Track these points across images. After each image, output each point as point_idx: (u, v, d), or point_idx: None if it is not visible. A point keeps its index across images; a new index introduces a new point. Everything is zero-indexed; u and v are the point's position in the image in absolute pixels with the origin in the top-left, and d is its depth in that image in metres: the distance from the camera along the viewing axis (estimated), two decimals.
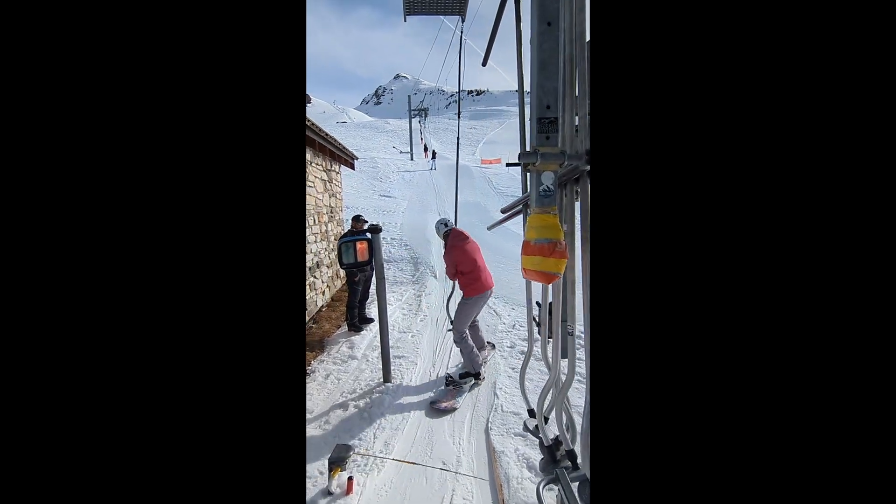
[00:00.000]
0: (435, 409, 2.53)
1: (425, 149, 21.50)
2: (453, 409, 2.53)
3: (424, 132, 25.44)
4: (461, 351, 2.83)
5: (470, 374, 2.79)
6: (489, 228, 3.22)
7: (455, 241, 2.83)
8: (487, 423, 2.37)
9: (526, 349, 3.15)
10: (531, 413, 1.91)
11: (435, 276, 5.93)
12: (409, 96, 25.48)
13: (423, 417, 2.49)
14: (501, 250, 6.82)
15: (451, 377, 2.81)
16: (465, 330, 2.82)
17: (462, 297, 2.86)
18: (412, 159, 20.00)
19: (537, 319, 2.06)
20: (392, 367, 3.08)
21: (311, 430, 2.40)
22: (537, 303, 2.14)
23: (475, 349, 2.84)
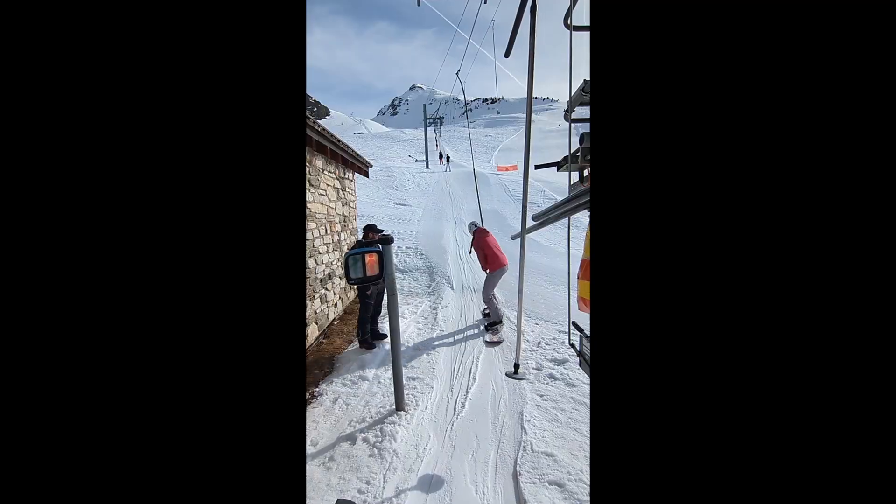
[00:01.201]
0: (489, 343, 3.64)
1: (440, 156, 21.47)
2: (501, 341, 3.65)
3: (440, 141, 25.43)
4: (489, 306, 3.98)
5: (496, 323, 3.92)
6: (513, 238, 2.88)
7: (480, 235, 4.11)
8: (516, 466, 2.02)
9: (556, 371, 2.83)
10: (517, 367, 1.68)
11: (452, 287, 5.61)
12: (424, 105, 25.53)
13: (440, 455, 2.16)
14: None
15: (486, 325, 3.97)
16: (491, 294, 3.96)
17: (487, 273, 4.05)
18: (427, 167, 19.92)
19: (577, 348, 1.71)
20: (405, 392, 2.77)
21: (315, 468, 2.11)
22: (574, 324, 1.81)
23: (498, 305, 3.97)
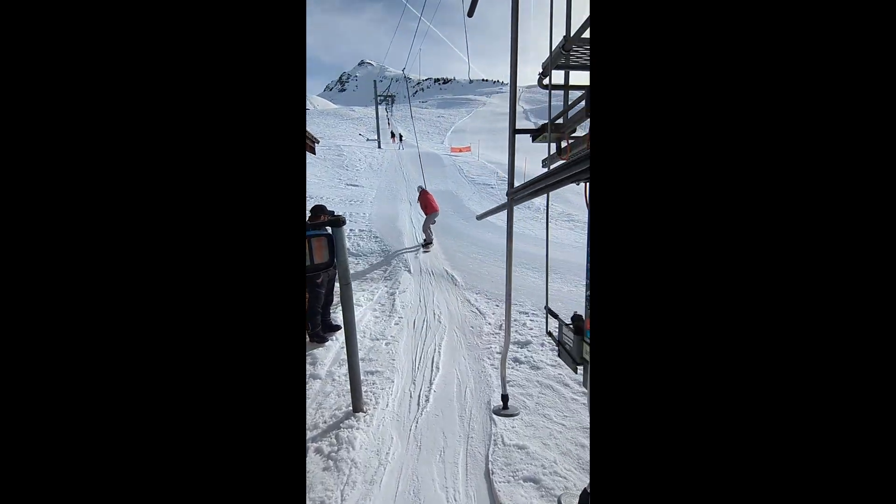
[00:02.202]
0: (424, 248, 6.06)
1: (392, 135, 20.64)
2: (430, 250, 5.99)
3: (392, 120, 24.25)
4: (425, 234, 6.21)
5: (429, 243, 6.14)
6: (479, 218, 2.64)
7: (423, 194, 6.47)
8: (488, 464, 1.86)
9: (520, 353, 2.60)
10: (504, 399, 1.49)
11: (409, 271, 5.32)
12: (374, 81, 23.96)
13: (405, 460, 1.94)
14: (481, 242, 6.33)
15: (423, 244, 6.19)
16: (427, 227, 6.19)
17: (426, 216, 6.26)
18: (380, 147, 18.97)
19: (557, 337, 1.54)
20: (363, 389, 2.48)
21: None
22: (549, 310, 1.63)
23: (431, 232, 6.21)
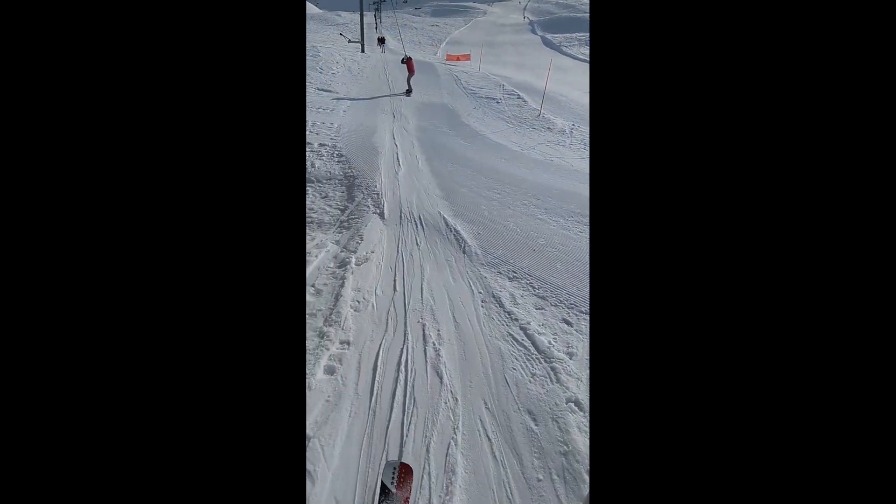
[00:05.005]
0: (407, 94, 7.05)
1: (380, 41, 16.09)
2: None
3: (381, 27, 18.93)
4: (408, 83, 7.46)
5: (410, 91, 7.37)
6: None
7: (408, 59, 7.88)
8: None
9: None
10: None
11: (382, 216, 2.84)
12: None
13: None
14: (494, 172, 3.81)
15: (406, 92, 7.23)
16: (409, 80, 7.48)
17: (409, 74, 7.30)
18: (363, 51, 14.55)
19: None
20: None
21: None
22: None
23: (411, 85, 7.42)
